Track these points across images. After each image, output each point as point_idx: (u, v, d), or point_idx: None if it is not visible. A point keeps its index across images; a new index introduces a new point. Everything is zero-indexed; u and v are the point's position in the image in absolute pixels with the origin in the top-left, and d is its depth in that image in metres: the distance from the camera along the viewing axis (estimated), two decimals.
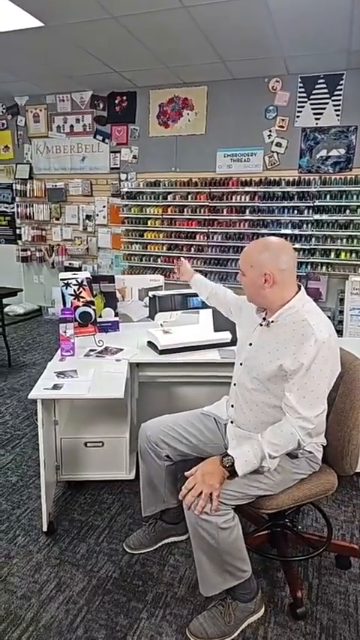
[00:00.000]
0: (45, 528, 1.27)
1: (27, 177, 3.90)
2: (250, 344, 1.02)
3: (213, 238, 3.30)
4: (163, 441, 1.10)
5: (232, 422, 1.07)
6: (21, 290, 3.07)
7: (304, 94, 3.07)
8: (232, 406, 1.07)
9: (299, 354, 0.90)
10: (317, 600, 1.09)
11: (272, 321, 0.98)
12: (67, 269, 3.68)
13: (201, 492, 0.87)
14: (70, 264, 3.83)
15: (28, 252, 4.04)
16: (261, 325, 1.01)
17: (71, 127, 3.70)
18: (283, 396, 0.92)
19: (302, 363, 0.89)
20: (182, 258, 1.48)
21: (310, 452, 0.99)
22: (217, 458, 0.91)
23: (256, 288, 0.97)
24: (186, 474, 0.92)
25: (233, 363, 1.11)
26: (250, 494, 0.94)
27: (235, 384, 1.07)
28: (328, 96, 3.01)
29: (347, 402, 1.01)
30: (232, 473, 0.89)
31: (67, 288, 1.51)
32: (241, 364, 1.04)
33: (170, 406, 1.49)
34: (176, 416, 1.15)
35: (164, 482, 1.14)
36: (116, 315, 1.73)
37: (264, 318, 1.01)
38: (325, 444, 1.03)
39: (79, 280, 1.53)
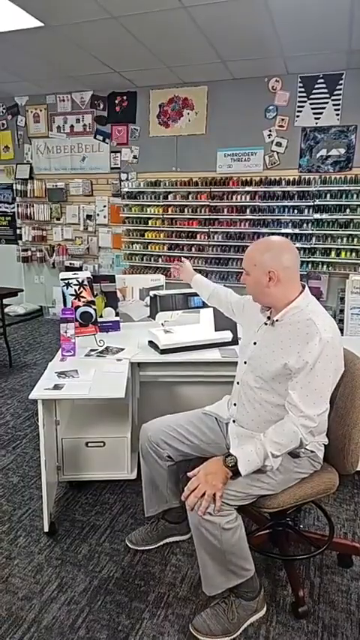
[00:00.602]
0: (46, 529, 1.27)
1: (27, 177, 3.89)
2: (255, 343, 1.02)
3: (214, 238, 3.30)
4: (164, 442, 1.09)
5: (234, 421, 1.07)
6: (22, 290, 3.06)
7: (304, 94, 3.06)
8: (235, 405, 1.07)
9: (304, 352, 0.90)
10: (319, 599, 1.09)
11: (277, 320, 0.98)
12: (68, 269, 3.68)
13: (204, 493, 0.86)
14: (70, 264, 3.83)
15: (29, 253, 4.03)
16: (266, 324, 1.01)
17: (71, 127, 3.70)
18: (286, 395, 0.92)
19: (306, 361, 0.89)
20: (183, 259, 1.47)
21: (312, 451, 0.99)
22: (220, 458, 0.91)
23: (260, 287, 0.97)
24: (189, 474, 0.92)
25: (234, 363, 1.12)
26: (252, 494, 0.94)
27: (238, 383, 1.06)
28: (327, 95, 3.00)
29: (348, 401, 1.01)
30: (235, 473, 0.88)
31: (67, 288, 1.51)
32: (245, 363, 1.04)
33: (172, 406, 1.48)
34: (177, 416, 1.15)
35: (166, 482, 1.14)
36: (117, 314, 1.73)
37: (268, 317, 1.01)
38: (326, 443, 1.03)
39: (80, 280, 1.53)
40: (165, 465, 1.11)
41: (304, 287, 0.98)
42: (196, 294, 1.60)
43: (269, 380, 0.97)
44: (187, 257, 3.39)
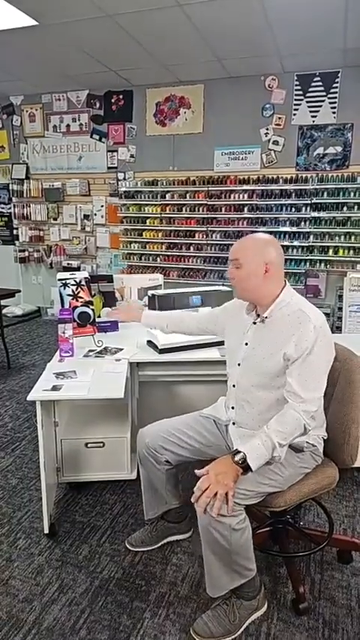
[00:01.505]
0: (46, 530, 1.27)
1: (23, 177, 3.87)
2: (246, 343, 1.03)
3: (212, 237, 3.30)
4: (163, 447, 1.09)
5: (233, 423, 1.07)
6: (19, 291, 3.05)
7: (301, 92, 3.06)
8: (233, 408, 1.07)
9: (301, 340, 0.92)
10: (319, 595, 1.09)
11: (266, 317, 1.00)
12: (66, 269, 3.66)
13: (216, 493, 0.86)
14: (68, 264, 3.82)
15: (26, 253, 4.02)
16: (254, 323, 1.02)
17: (67, 126, 3.68)
18: (285, 386, 0.94)
19: (305, 347, 0.92)
20: (130, 300, 1.38)
21: (314, 445, 1.01)
22: (228, 456, 0.90)
23: (254, 280, 0.98)
24: (197, 472, 0.90)
25: None
26: (261, 492, 0.95)
27: (234, 386, 1.06)
28: (324, 94, 3.01)
29: (345, 397, 1.03)
30: (246, 469, 0.88)
31: (65, 288, 1.50)
32: (239, 365, 1.05)
33: (171, 405, 1.48)
34: (175, 420, 1.15)
35: (165, 485, 1.14)
36: None
37: (258, 315, 1.02)
38: (326, 437, 1.04)
39: (77, 280, 1.52)
40: (163, 469, 1.11)
41: (285, 283, 1.02)
42: (195, 294, 1.60)
43: (270, 376, 0.97)
44: (185, 256, 3.45)
